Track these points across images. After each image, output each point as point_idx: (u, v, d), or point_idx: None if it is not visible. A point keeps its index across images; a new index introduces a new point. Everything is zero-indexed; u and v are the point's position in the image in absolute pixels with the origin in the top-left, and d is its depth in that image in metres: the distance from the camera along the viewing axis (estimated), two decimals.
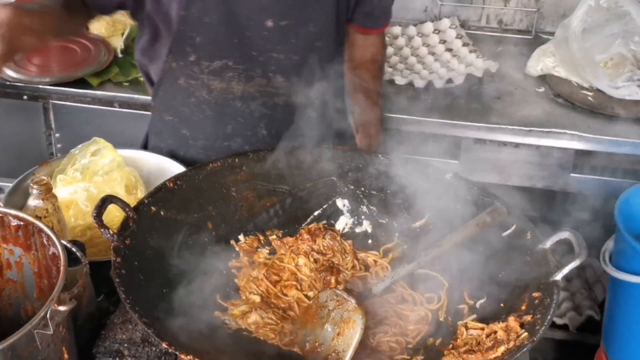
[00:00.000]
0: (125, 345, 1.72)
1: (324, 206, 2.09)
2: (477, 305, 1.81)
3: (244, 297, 1.87)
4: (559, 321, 3.25)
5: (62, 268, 1.54)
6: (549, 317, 1.59)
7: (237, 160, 2.04)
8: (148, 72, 2.43)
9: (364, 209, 2.08)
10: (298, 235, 2.03)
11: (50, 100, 3.27)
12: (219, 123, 2.38)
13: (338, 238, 2.03)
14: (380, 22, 2.53)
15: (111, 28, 3.48)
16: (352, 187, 2.09)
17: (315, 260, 1.96)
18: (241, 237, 2.01)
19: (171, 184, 1.92)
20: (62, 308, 1.47)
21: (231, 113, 2.36)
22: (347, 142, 2.56)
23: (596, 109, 3.15)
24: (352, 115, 2.61)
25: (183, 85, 2.32)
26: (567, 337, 3.25)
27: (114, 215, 2.01)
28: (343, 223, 2.09)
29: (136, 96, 3.21)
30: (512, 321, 1.64)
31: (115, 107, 3.24)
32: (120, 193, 2.13)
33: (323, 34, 2.32)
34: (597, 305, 3.31)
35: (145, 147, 2.56)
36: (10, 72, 3.27)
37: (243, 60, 2.27)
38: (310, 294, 1.87)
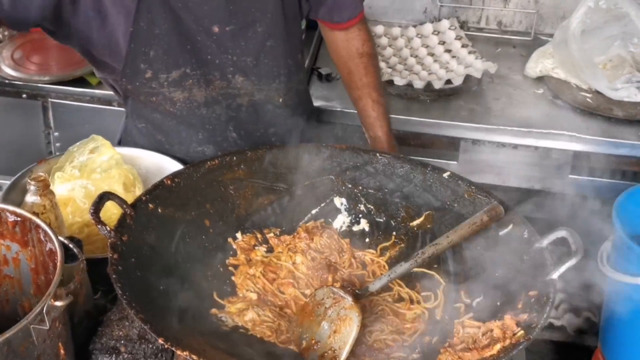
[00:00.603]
0: (122, 342, 1.72)
1: (322, 204, 2.09)
2: (474, 303, 1.81)
3: (240, 295, 1.87)
4: (556, 323, 3.25)
5: (59, 264, 1.54)
6: (545, 316, 1.59)
7: (234, 158, 2.03)
8: (113, 86, 2.41)
9: (362, 207, 2.08)
10: (295, 234, 2.04)
11: (50, 99, 3.28)
12: (189, 131, 2.37)
13: (335, 236, 2.03)
14: (346, 15, 2.47)
15: None
16: (349, 185, 2.09)
17: (313, 259, 1.96)
18: (238, 234, 2.01)
19: (169, 182, 1.92)
20: (58, 303, 1.47)
21: (198, 122, 2.36)
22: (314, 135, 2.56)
23: (595, 110, 3.15)
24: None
25: (144, 101, 2.32)
26: (564, 338, 3.25)
27: (111, 212, 2.01)
28: (340, 221, 2.09)
29: None
30: (508, 319, 1.64)
31: (114, 106, 3.24)
32: (118, 190, 2.13)
33: (272, 34, 2.30)
34: (595, 307, 3.31)
35: None
36: (9, 71, 3.28)
37: (199, 65, 2.26)
38: (307, 292, 1.88)
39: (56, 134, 3.35)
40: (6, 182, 2.22)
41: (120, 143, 2.52)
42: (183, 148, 2.38)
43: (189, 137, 2.38)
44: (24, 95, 3.27)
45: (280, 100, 2.40)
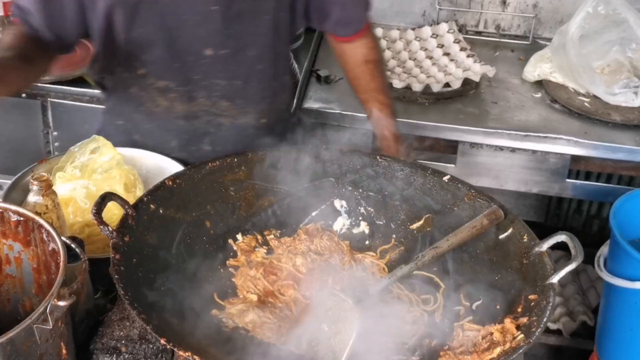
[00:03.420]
0: (123, 342, 1.73)
1: (322, 207, 2.10)
2: (474, 306, 1.82)
3: (241, 296, 1.87)
4: (552, 326, 3.27)
5: (61, 263, 1.55)
6: (545, 319, 1.60)
7: (235, 159, 2.04)
8: (101, 78, 2.44)
9: (362, 210, 2.09)
10: (296, 236, 2.04)
11: (49, 99, 3.28)
12: (164, 136, 2.40)
13: (335, 239, 2.03)
14: (351, 30, 2.49)
15: None
16: (350, 188, 2.09)
17: (313, 261, 1.97)
18: (239, 236, 2.02)
19: (170, 183, 1.92)
20: (61, 303, 1.48)
21: (175, 130, 2.39)
22: None
23: (592, 115, 3.17)
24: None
25: (134, 94, 2.35)
26: (560, 342, 3.26)
27: (112, 213, 2.01)
28: (340, 224, 2.09)
29: None
30: (508, 323, 1.65)
31: None
32: (119, 191, 2.14)
33: (262, 57, 2.33)
34: (591, 311, 3.32)
35: None
36: None
37: (185, 83, 2.29)
38: (308, 293, 1.88)
39: (55, 133, 3.35)
40: (5, 182, 2.22)
41: None
42: (157, 151, 2.39)
43: (163, 143, 2.40)
44: (24, 95, 3.27)
45: (262, 121, 2.44)
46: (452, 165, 3.16)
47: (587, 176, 3.37)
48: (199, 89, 2.31)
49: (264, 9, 2.27)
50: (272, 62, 2.38)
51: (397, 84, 3.25)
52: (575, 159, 3.10)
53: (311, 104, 3.16)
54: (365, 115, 2.58)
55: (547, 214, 3.93)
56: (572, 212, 3.89)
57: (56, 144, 3.36)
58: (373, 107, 2.54)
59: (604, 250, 2.63)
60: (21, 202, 1.94)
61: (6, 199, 2.09)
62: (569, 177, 3.15)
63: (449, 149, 3.17)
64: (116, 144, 2.39)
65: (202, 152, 2.40)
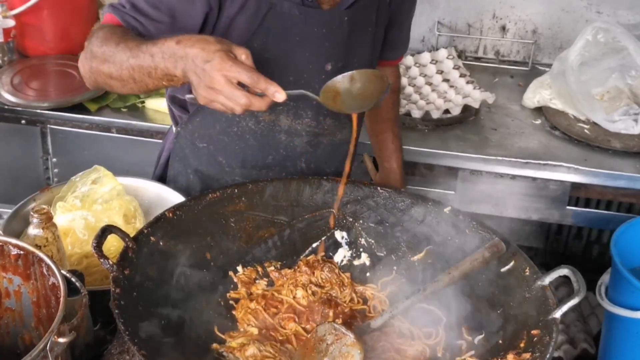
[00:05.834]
0: None
1: (323, 238, 2.09)
2: (475, 341, 1.81)
3: (241, 329, 1.87)
4: (554, 354, 3.24)
5: (62, 299, 1.54)
6: (548, 356, 1.59)
7: (236, 190, 2.04)
8: (181, 101, 2.36)
9: (363, 241, 2.09)
10: (296, 267, 2.04)
11: (48, 125, 3.28)
12: (261, 153, 2.34)
13: (336, 270, 2.03)
14: (398, 54, 2.57)
15: None
16: (350, 219, 2.09)
17: (314, 293, 1.96)
18: (239, 268, 2.01)
19: (170, 214, 1.92)
20: (61, 340, 1.47)
21: (274, 145, 2.33)
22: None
23: (592, 142, 3.17)
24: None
25: (227, 115, 2.22)
26: None
27: (111, 244, 2.01)
28: (341, 255, 2.09)
29: (134, 122, 3.23)
30: (510, 358, 1.64)
31: (112, 132, 3.25)
32: (119, 222, 2.13)
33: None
34: (592, 338, 3.31)
35: (161, 176, 2.52)
36: (8, 96, 3.28)
37: (295, 99, 2.24)
38: (308, 326, 1.87)
39: (54, 160, 3.35)
40: (5, 210, 2.22)
41: (159, 161, 2.53)
42: (245, 171, 2.36)
43: (254, 161, 2.36)
44: (23, 121, 3.27)
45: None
46: (452, 192, 3.16)
47: (587, 202, 3.37)
48: (307, 108, 2.28)
49: (369, 20, 2.27)
50: None
51: None
52: (575, 186, 3.10)
53: None
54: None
55: (547, 240, 3.93)
56: (572, 238, 3.89)
57: (55, 170, 3.36)
58: (387, 139, 2.60)
59: (605, 278, 2.61)
60: (22, 231, 1.94)
61: (7, 228, 2.08)
62: (569, 205, 3.15)
63: (449, 175, 3.17)
64: (194, 166, 2.39)
65: (297, 170, 2.38)
